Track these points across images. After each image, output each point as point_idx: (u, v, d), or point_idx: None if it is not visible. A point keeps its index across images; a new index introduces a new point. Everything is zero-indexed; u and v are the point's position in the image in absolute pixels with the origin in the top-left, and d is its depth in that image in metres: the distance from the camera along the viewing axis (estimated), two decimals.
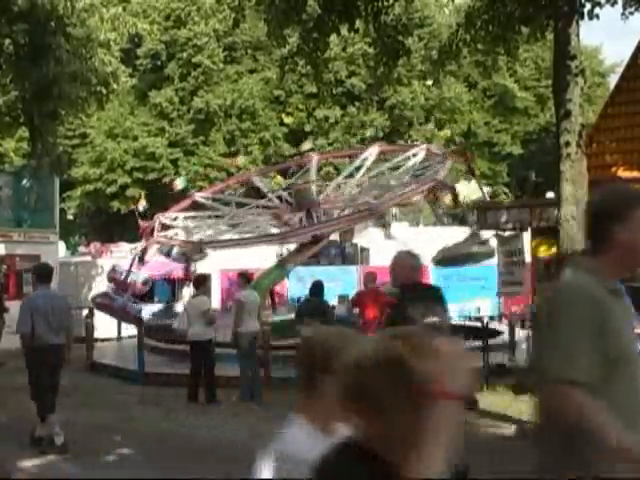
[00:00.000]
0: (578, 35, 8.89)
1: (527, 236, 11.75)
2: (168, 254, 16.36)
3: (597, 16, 8.90)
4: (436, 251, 14.44)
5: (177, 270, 20.62)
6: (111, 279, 16.78)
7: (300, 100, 37.88)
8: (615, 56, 44.34)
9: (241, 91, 36.92)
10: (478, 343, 13.34)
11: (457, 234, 15.72)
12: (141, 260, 16.55)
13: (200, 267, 21.89)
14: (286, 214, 16.95)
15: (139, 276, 17.13)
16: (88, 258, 24.58)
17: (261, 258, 18.18)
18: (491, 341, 13.29)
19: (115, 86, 17.66)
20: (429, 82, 36.18)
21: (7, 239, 20.18)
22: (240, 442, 8.39)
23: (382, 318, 11.64)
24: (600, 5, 8.85)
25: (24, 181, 21.10)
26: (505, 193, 38.86)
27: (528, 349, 12.33)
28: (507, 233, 11.85)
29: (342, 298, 15.00)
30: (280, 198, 17.97)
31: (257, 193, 18.60)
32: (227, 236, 17.06)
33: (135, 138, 36.25)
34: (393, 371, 1.48)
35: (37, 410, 8.23)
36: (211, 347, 11.58)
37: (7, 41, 15.22)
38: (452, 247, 14.05)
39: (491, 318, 17.65)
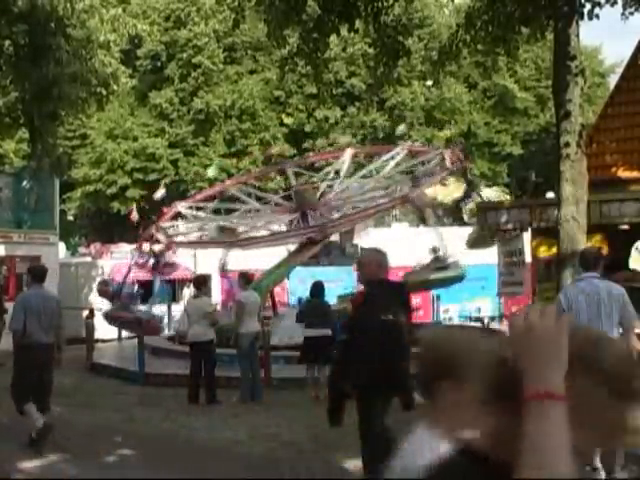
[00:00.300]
0: (578, 35, 8.88)
1: (527, 236, 11.73)
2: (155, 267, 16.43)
3: (597, 16, 8.89)
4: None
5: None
6: (102, 292, 16.73)
7: (300, 100, 37.87)
8: (615, 56, 44.36)
9: (241, 92, 36.91)
10: None
11: (458, 234, 15.75)
12: (155, 268, 16.57)
13: (201, 268, 21.95)
14: (285, 215, 16.97)
15: (128, 288, 17.25)
16: (88, 259, 24.62)
17: (262, 259, 18.16)
18: None
19: (115, 87, 17.65)
20: (429, 82, 36.19)
21: (7, 240, 20.19)
22: (240, 443, 8.40)
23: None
24: (600, 5, 8.84)
25: (24, 182, 21.12)
26: (505, 193, 38.85)
27: None
28: (507, 233, 11.85)
29: (341, 298, 15.00)
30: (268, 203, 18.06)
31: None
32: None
33: (135, 139, 36.24)
34: None
35: (15, 406, 8.39)
36: (212, 348, 11.59)
37: (7, 42, 15.21)
38: (414, 272, 14.15)
39: (491, 318, 17.67)
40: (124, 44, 25.01)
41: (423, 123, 38.87)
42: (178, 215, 17.57)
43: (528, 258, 11.68)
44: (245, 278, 12.17)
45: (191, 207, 17.83)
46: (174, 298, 23.28)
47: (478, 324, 14.89)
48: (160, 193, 19.14)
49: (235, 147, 37.00)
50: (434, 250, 14.54)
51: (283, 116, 38.26)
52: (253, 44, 39.10)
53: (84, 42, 16.30)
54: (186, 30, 36.60)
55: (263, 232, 16.72)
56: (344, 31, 11.17)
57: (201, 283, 12.33)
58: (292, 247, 16.54)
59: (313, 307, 11.88)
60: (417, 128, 38.18)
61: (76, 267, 23.56)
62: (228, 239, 15.62)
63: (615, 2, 9.01)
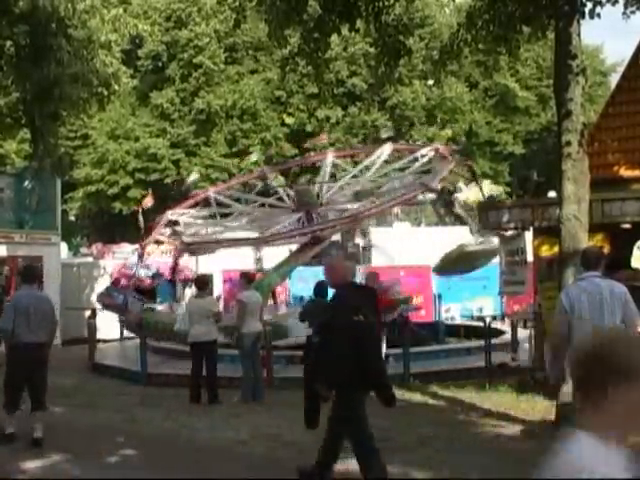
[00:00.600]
0: (579, 34, 8.87)
1: (529, 235, 11.72)
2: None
3: (598, 15, 8.88)
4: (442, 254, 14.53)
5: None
6: (105, 305, 16.30)
7: (301, 100, 37.86)
8: (616, 55, 44.35)
9: (242, 92, 36.92)
10: (480, 343, 13.35)
11: (459, 234, 15.74)
12: (173, 270, 16.61)
13: (202, 267, 21.95)
14: (286, 215, 16.99)
15: (147, 272, 17.10)
16: (90, 259, 24.63)
17: (263, 259, 18.21)
18: (493, 341, 13.30)
19: (116, 87, 17.65)
20: (430, 82, 36.20)
21: (9, 240, 20.19)
22: (242, 443, 8.40)
23: (382, 318, 11.68)
24: (601, 4, 8.83)
25: (26, 182, 21.10)
26: (507, 193, 38.82)
27: (530, 348, 12.35)
28: (509, 233, 11.84)
29: None
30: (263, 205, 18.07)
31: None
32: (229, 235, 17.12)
33: (137, 139, 36.27)
34: None
35: (3, 404, 8.57)
36: (215, 348, 11.59)
37: (8, 43, 15.23)
38: (450, 252, 14.14)
39: (493, 318, 17.66)
40: (125, 44, 25.04)
41: (424, 122, 38.85)
42: (171, 223, 17.52)
43: (530, 257, 11.67)
44: (247, 278, 12.16)
45: (183, 214, 17.82)
46: (175, 298, 23.27)
47: (480, 323, 14.84)
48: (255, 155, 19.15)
49: (236, 147, 37.01)
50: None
51: (284, 116, 38.26)
52: (254, 44, 39.10)
53: (85, 42, 16.31)
54: (187, 30, 36.62)
55: (280, 229, 16.72)
56: (345, 31, 11.17)
57: (203, 283, 12.34)
58: (293, 247, 16.56)
59: (316, 307, 11.86)
60: (418, 127, 38.18)
61: (78, 267, 23.56)
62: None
63: (616, 1, 8.98)
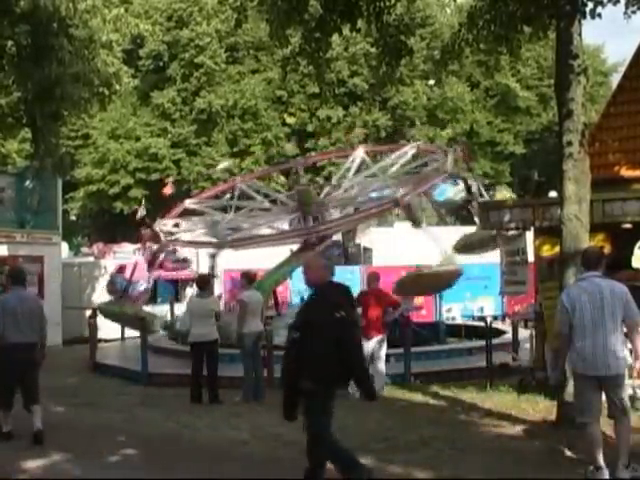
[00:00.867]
0: (580, 34, 8.86)
1: (530, 235, 11.71)
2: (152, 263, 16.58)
3: (599, 15, 8.87)
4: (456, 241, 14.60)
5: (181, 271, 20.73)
6: (110, 290, 16.96)
7: (302, 100, 37.86)
8: (617, 55, 44.36)
9: (243, 91, 36.90)
10: (481, 343, 13.35)
11: (460, 234, 15.73)
12: (151, 265, 16.69)
13: (203, 267, 21.97)
14: (287, 214, 16.98)
15: (139, 285, 17.31)
16: (91, 259, 24.64)
17: (264, 258, 18.18)
18: (494, 341, 13.29)
19: (117, 87, 17.62)
20: (431, 82, 36.23)
21: (10, 240, 20.21)
22: (243, 442, 8.40)
23: (384, 318, 11.69)
24: (602, 4, 8.81)
25: (27, 182, 21.13)
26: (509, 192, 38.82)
27: (531, 348, 12.35)
28: (510, 232, 11.83)
29: None
30: (275, 201, 18.06)
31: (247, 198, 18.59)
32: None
33: (138, 139, 36.28)
34: None
35: None
36: (216, 348, 11.59)
37: (9, 42, 15.20)
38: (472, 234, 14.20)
39: (494, 318, 17.66)
40: (126, 44, 25.08)
41: (425, 122, 38.85)
42: (183, 213, 17.65)
43: (531, 257, 11.67)
44: (248, 278, 12.16)
45: (199, 203, 17.89)
46: (177, 298, 23.29)
47: (481, 323, 14.84)
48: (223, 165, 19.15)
49: (237, 147, 37.01)
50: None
51: (285, 116, 38.27)
52: (255, 44, 39.10)
53: (86, 42, 16.29)
54: (188, 30, 36.62)
55: (265, 231, 16.70)
56: (346, 31, 11.14)
57: (205, 282, 12.34)
58: (295, 247, 16.54)
59: None
60: (419, 127, 38.18)
61: (79, 267, 23.57)
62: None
63: (618, 1, 8.98)
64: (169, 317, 19.88)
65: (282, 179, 33.30)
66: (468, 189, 16.41)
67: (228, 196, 18.17)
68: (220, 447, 8.33)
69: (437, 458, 7.52)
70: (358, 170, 17.54)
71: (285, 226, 17.53)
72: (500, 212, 11.45)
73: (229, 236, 15.94)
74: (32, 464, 7.58)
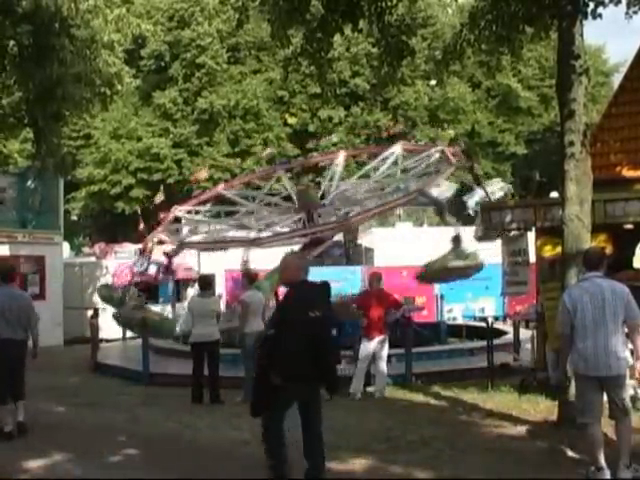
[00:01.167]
0: (582, 34, 8.85)
1: (532, 236, 11.71)
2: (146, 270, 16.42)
3: (600, 16, 8.87)
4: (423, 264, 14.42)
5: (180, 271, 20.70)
6: (104, 298, 16.63)
7: (304, 100, 37.86)
8: (619, 55, 44.32)
9: (245, 92, 36.91)
10: (482, 343, 13.35)
11: (461, 234, 15.71)
12: (168, 269, 16.60)
13: (204, 267, 21.96)
14: (287, 214, 16.95)
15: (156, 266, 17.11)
16: (92, 259, 24.67)
17: (266, 258, 18.17)
18: (495, 341, 13.30)
19: (119, 87, 17.63)
20: (433, 82, 36.18)
21: (11, 240, 20.24)
22: (244, 443, 8.40)
23: (386, 318, 11.69)
24: (604, 4, 8.81)
25: (28, 182, 21.17)
26: (511, 193, 38.78)
27: (532, 349, 12.35)
28: (511, 233, 11.82)
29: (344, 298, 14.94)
30: (269, 204, 18.01)
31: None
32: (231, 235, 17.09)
33: (139, 139, 36.29)
34: None
35: None
36: (217, 348, 11.59)
37: (11, 42, 15.21)
38: (434, 261, 14.07)
39: (495, 318, 17.64)
40: (128, 44, 25.09)
41: (427, 123, 38.84)
42: (176, 219, 17.52)
43: (532, 258, 11.66)
44: (249, 277, 12.16)
45: (190, 212, 17.76)
46: (178, 298, 23.30)
47: (482, 324, 14.83)
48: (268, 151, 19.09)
49: (239, 147, 37.01)
50: (456, 239, 14.41)
51: (287, 116, 38.27)
52: (257, 44, 39.11)
53: (88, 42, 16.30)
54: (190, 30, 36.62)
55: (279, 230, 16.67)
56: (348, 31, 11.14)
57: (206, 283, 12.34)
58: (296, 247, 16.52)
59: None
60: (421, 128, 38.17)
61: (80, 267, 23.60)
62: None
63: (619, 1, 8.97)
64: (170, 317, 19.86)
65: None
66: (475, 177, 16.32)
67: (208, 206, 17.97)
68: (221, 447, 8.33)
69: (438, 458, 7.52)
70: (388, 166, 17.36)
71: (285, 227, 17.50)
72: (502, 213, 11.45)
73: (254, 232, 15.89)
74: (33, 464, 7.58)
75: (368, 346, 11.49)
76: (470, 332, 17.38)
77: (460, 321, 19.71)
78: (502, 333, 15.76)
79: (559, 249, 9.17)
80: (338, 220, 16.10)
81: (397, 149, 17.09)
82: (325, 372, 6.38)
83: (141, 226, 17.11)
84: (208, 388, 11.27)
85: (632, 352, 6.71)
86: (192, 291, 21.94)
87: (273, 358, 6.23)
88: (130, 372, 14.10)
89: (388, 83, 16.26)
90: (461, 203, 16.55)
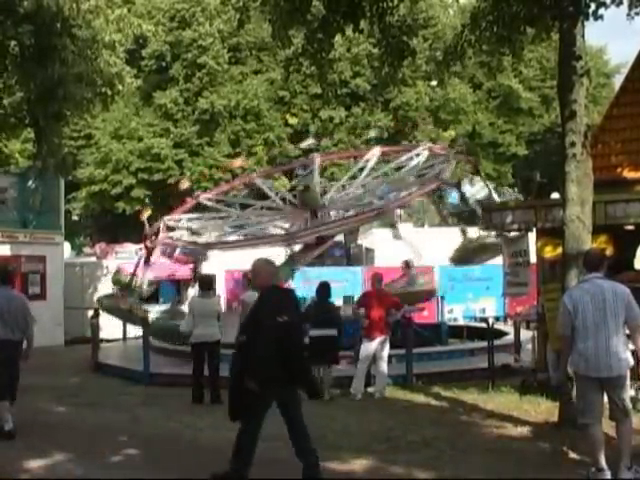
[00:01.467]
0: (583, 36, 8.85)
1: (532, 237, 11.70)
2: (170, 255, 16.45)
3: (601, 17, 8.86)
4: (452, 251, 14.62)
5: (182, 271, 20.65)
6: (116, 281, 16.96)
7: (305, 101, 37.87)
8: (620, 56, 44.22)
9: (246, 92, 36.91)
10: (483, 344, 13.35)
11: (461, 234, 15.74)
12: (147, 262, 16.65)
13: (205, 267, 21.92)
14: (291, 215, 16.97)
15: (144, 279, 17.22)
16: (93, 259, 24.66)
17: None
18: (496, 342, 13.29)
19: (120, 87, 17.63)
20: (434, 83, 36.17)
21: (13, 240, 20.26)
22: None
23: (387, 319, 11.69)
24: (605, 6, 8.81)
25: (29, 182, 21.16)
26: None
27: (533, 350, 12.34)
28: (512, 234, 11.82)
29: (347, 299, 14.98)
30: (284, 200, 18.01)
31: (260, 195, 18.59)
32: (232, 237, 17.09)
33: (140, 139, 36.28)
34: None
35: None
36: (218, 348, 11.58)
37: (13, 42, 15.22)
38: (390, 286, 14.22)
39: (496, 319, 17.65)
40: (129, 44, 25.04)
41: (428, 123, 38.80)
42: (198, 206, 17.68)
43: (533, 259, 11.66)
44: (249, 278, 12.15)
45: (210, 199, 17.91)
46: (178, 298, 23.28)
47: (483, 325, 14.84)
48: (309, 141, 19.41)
49: (240, 147, 37.00)
50: (407, 264, 14.74)
51: (287, 116, 38.25)
52: (258, 44, 39.12)
53: (89, 42, 16.30)
54: (191, 30, 36.62)
55: (274, 231, 16.69)
56: (349, 31, 11.14)
57: (207, 283, 12.33)
58: (297, 247, 16.54)
59: (319, 307, 11.88)
60: (422, 128, 38.15)
61: (81, 267, 23.60)
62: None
63: (621, 2, 8.97)
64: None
65: (284, 180, 33.30)
66: (476, 170, 16.39)
67: (236, 193, 18.17)
68: (221, 447, 8.29)
69: (439, 459, 7.53)
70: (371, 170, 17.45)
71: (288, 226, 17.52)
72: (502, 213, 11.45)
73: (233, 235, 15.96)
74: (34, 464, 7.59)
75: (369, 346, 11.50)
76: (471, 333, 17.37)
77: (461, 322, 19.72)
78: (503, 334, 15.75)
79: (560, 250, 9.17)
80: (340, 218, 16.13)
81: (376, 152, 17.19)
82: (297, 375, 6.50)
83: (146, 230, 17.11)
84: (208, 388, 11.27)
85: (633, 353, 6.71)
86: (192, 292, 21.93)
87: (246, 363, 6.38)
88: (130, 372, 14.10)
89: (389, 84, 16.32)
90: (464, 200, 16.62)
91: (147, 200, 34.60)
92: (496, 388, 11.19)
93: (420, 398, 11.05)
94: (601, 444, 6.47)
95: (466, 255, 14.79)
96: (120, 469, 7.48)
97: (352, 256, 23.00)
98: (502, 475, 6.88)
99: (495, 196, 16.23)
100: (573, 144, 8.55)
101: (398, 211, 24.19)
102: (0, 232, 19.93)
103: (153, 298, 21.55)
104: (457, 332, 17.81)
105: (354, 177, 17.92)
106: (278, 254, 17.09)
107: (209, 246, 15.22)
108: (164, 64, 37.72)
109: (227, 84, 37.52)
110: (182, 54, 36.95)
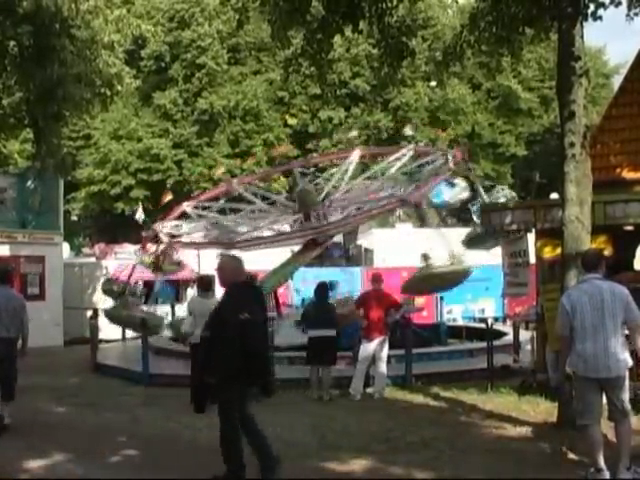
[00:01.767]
0: (582, 36, 8.85)
1: (532, 237, 11.71)
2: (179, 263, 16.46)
3: (600, 17, 8.87)
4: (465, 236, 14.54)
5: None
6: (107, 291, 16.87)
7: (304, 101, 37.88)
8: (619, 56, 44.34)
9: (245, 92, 36.92)
10: (482, 344, 13.35)
11: (461, 235, 15.72)
12: (158, 270, 16.65)
13: (205, 268, 21.94)
14: (289, 216, 16.93)
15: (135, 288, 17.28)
16: (92, 259, 24.67)
17: (265, 259, 18.19)
18: (495, 342, 13.29)
19: (119, 87, 17.61)
20: (433, 83, 36.16)
21: (12, 240, 20.26)
22: (244, 443, 8.39)
23: (386, 319, 11.69)
24: (604, 6, 8.82)
25: (28, 183, 21.17)
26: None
27: (532, 350, 12.35)
28: (511, 234, 11.83)
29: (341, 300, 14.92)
30: (273, 203, 17.97)
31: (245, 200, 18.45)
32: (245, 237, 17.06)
33: (139, 139, 36.28)
34: None
35: None
36: None
37: (12, 43, 15.21)
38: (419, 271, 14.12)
39: (495, 319, 17.66)
40: (128, 45, 25.06)
41: (427, 124, 38.83)
42: (183, 215, 17.56)
43: (532, 259, 11.66)
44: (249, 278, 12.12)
45: (197, 207, 17.79)
46: (177, 298, 23.31)
47: (482, 325, 14.84)
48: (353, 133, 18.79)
49: (239, 148, 37.02)
50: (425, 257, 14.55)
51: (287, 117, 38.28)
52: (257, 45, 39.13)
53: (88, 43, 16.29)
54: (190, 31, 36.64)
55: (266, 233, 16.65)
56: (348, 32, 11.15)
57: (207, 283, 12.30)
58: (296, 248, 16.52)
59: (317, 308, 11.88)
60: (421, 129, 38.17)
61: (80, 267, 23.60)
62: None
63: (619, 3, 8.98)
64: (170, 318, 19.88)
65: (283, 180, 33.33)
66: (472, 188, 16.33)
67: (222, 201, 18.02)
68: (220, 447, 8.32)
69: (438, 459, 7.53)
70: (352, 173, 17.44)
71: (285, 227, 17.48)
72: (502, 214, 11.45)
73: (234, 237, 15.88)
74: (34, 464, 7.59)
75: (368, 347, 11.50)
76: (470, 333, 17.38)
77: (460, 322, 19.74)
78: (502, 334, 15.76)
79: (559, 250, 9.17)
80: (340, 219, 16.10)
81: (407, 152, 17.07)
82: (256, 374, 6.51)
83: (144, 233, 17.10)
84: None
85: (632, 353, 6.71)
86: (191, 292, 21.93)
87: (208, 358, 6.44)
88: (130, 373, 14.09)
89: (388, 84, 16.32)
90: (466, 209, 16.59)
91: (144, 201, 34.57)
92: (495, 389, 11.20)
93: (419, 398, 11.06)
94: (600, 444, 6.47)
95: (417, 286, 14.55)
96: (120, 469, 7.49)
97: (351, 256, 23.04)
98: (501, 475, 6.88)
99: (485, 196, 16.19)
100: (572, 144, 8.55)
101: (398, 211, 24.24)
102: None
103: (151, 299, 21.60)
104: (456, 333, 17.83)
105: (341, 179, 17.88)
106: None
107: (232, 245, 15.10)
108: (163, 64, 37.72)
109: (226, 84, 37.54)
110: (181, 54, 36.96)
